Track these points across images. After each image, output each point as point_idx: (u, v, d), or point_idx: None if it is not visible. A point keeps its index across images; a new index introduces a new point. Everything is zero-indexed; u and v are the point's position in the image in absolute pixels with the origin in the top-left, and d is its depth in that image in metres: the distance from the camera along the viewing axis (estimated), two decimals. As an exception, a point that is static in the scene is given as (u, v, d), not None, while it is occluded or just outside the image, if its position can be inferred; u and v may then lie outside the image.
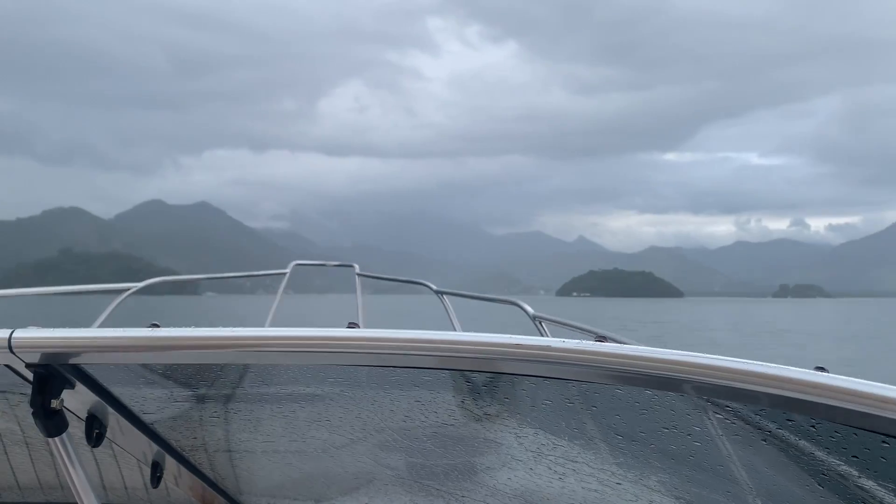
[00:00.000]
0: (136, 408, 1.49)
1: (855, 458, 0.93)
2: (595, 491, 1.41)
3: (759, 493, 1.18)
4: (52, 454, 1.64)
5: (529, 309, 3.01)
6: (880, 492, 0.95)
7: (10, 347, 1.06)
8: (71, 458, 1.26)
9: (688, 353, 0.90)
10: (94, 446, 1.42)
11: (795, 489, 1.11)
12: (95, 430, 1.40)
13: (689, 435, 1.14)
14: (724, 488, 1.22)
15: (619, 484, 1.36)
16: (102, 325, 2.85)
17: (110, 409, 1.41)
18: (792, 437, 0.98)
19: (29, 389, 1.17)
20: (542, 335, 2.87)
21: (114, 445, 1.66)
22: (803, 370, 0.83)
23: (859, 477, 0.95)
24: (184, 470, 1.82)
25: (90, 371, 1.26)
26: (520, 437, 1.38)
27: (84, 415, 1.39)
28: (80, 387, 1.25)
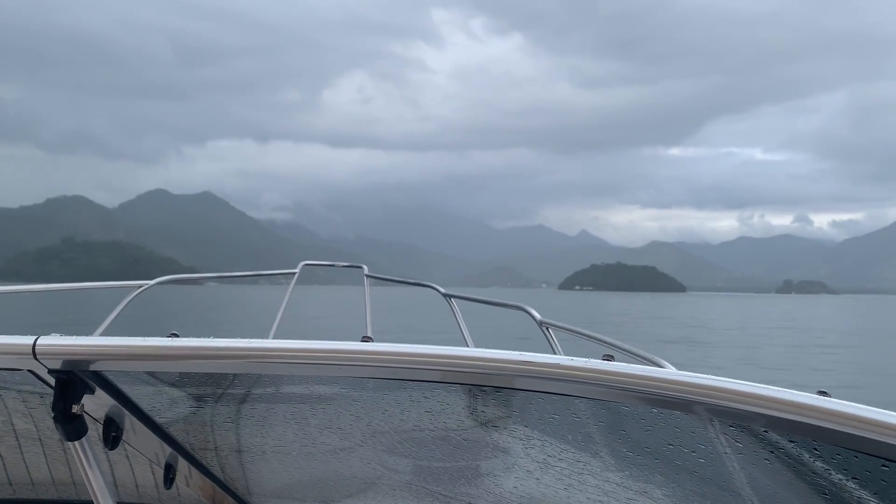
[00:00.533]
0: (151, 411, 1.52)
1: (856, 480, 0.95)
2: (600, 501, 1.43)
3: None
4: (67, 455, 1.72)
5: (536, 315, 3.01)
6: None
7: (34, 353, 1.09)
8: (90, 462, 1.29)
9: (693, 374, 0.92)
10: (110, 449, 1.46)
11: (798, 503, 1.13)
12: (112, 433, 1.45)
13: (693, 451, 1.15)
14: (728, 502, 1.24)
15: (624, 495, 1.38)
16: (113, 323, 2.93)
17: (127, 413, 1.45)
18: (795, 457, 0.99)
19: (48, 393, 1.21)
20: (548, 341, 2.87)
21: (128, 447, 1.70)
22: (806, 394, 0.84)
23: (859, 498, 0.96)
24: (195, 471, 1.87)
25: (110, 377, 1.29)
26: (526, 448, 1.40)
27: (102, 418, 1.43)
28: (99, 392, 1.28)
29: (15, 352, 1.10)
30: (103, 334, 2.71)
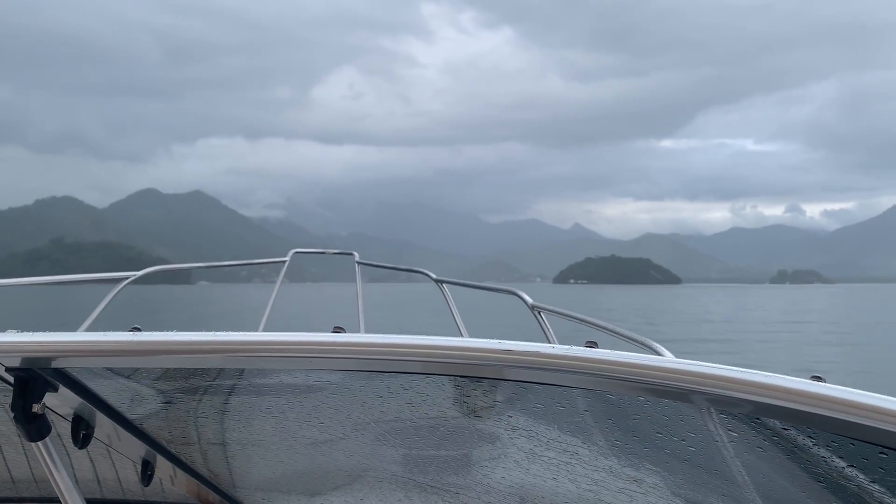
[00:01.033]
0: (122, 408, 1.47)
1: (852, 467, 0.93)
2: (589, 490, 1.41)
3: (756, 495, 1.16)
4: (27, 454, 1.66)
5: (528, 299, 2.99)
6: (875, 501, 0.94)
7: None
8: (55, 462, 1.25)
9: (680, 360, 0.90)
10: (80, 447, 1.41)
11: (793, 492, 1.11)
12: (82, 432, 1.40)
13: (684, 439, 1.13)
14: (721, 490, 1.21)
15: (615, 483, 1.36)
16: (100, 316, 2.83)
17: (97, 411, 1.40)
18: (790, 443, 0.97)
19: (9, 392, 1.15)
20: (540, 325, 2.84)
21: (101, 445, 1.64)
22: (798, 380, 0.82)
23: (857, 485, 0.95)
24: (174, 467, 1.82)
25: (74, 374, 1.24)
26: (512, 437, 1.37)
27: (70, 416, 1.38)
28: (63, 389, 1.22)
29: None
30: (90, 328, 2.62)
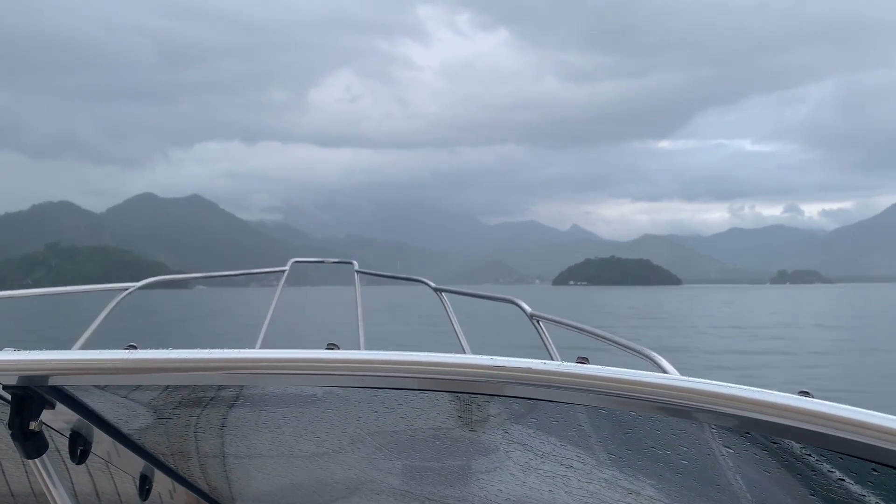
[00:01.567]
0: (120, 424, 1.48)
1: (841, 481, 0.93)
2: (586, 502, 1.42)
3: None
4: (27, 469, 1.62)
5: (527, 307, 3.00)
6: None
7: None
8: (53, 478, 1.26)
9: (670, 376, 0.91)
10: (78, 463, 1.41)
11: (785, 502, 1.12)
12: (80, 447, 1.41)
13: (678, 452, 1.14)
14: (717, 501, 1.22)
15: (610, 496, 1.37)
16: (101, 326, 2.85)
17: (94, 427, 1.41)
18: (783, 456, 0.98)
19: (6, 407, 1.16)
20: (539, 335, 2.87)
21: (99, 461, 1.65)
22: (786, 395, 0.83)
23: (850, 498, 0.95)
24: (173, 482, 1.84)
25: (70, 391, 1.25)
26: (508, 450, 1.38)
27: (67, 432, 1.39)
28: (60, 406, 1.24)
29: None
30: (88, 340, 2.64)
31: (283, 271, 4.37)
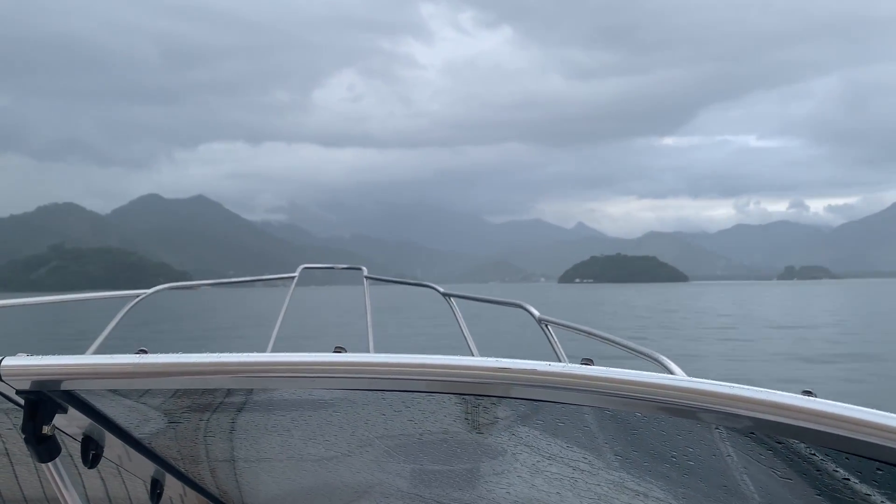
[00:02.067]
0: (131, 428, 1.50)
1: (846, 481, 0.94)
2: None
3: None
4: (40, 474, 1.66)
5: (535, 312, 2.99)
6: None
7: None
8: (65, 482, 1.27)
9: (676, 377, 0.92)
10: (90, 467, 1.43)
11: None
12: (91, 452, 1.42)
13: (685, 453, 1.15)
14: (725, 502, 1.22)
15: (619, 497, 1.37)
16: (112, 333, 2.89)
17: (106, 431, 1.42)
18: (790, 456, 0.98)
19: (17, 411, 1.17)
20: (547, 339, 2.87)
21: (111, 464, 1.68)
22: (790, 395, 0.84)
23: (856, 498, 0.96)
24: (184, 485, 1.86)
25: (82, 395, 1.27)
26: (516, 453, 1.39)
27: (79, 437, 1.41)
28: (72, 411, 1.26)
29: None
30: (100, 346, 2.65)
31: (293, 277, 4.39)
